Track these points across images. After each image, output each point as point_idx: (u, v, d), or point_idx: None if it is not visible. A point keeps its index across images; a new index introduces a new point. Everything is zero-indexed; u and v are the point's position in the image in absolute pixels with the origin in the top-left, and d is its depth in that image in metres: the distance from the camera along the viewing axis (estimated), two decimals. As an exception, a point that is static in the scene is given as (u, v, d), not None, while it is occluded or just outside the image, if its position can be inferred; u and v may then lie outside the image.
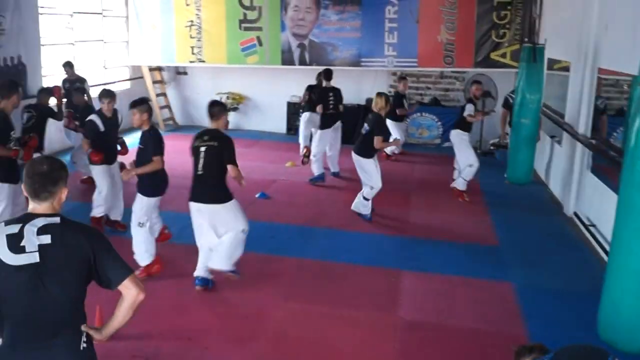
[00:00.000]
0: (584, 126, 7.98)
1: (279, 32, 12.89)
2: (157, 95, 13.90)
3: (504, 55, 12.26)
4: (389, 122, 9.80)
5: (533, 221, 8.10)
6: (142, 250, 5.86)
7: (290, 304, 5.49)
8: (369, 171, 7.69)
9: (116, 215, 7.23)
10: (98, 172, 7.04)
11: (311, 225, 7.65)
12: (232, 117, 13.97)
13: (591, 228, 7.20)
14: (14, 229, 2.58)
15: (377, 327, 5.13)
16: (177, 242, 6.61)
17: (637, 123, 4.13)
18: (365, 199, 7.76)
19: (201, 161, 5.44)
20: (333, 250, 6.86)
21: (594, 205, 7.39)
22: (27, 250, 2.54)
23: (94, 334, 2.75)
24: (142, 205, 5.85)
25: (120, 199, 7.23)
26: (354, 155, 7.81)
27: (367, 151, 7.63)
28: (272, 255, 6.59)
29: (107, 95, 7.04)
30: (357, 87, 13.03)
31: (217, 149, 5.42)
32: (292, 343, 4.84)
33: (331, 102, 9.83)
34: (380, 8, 12.41)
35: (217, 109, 5.63)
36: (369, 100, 11.65)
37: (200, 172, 5.45)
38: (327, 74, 10.09)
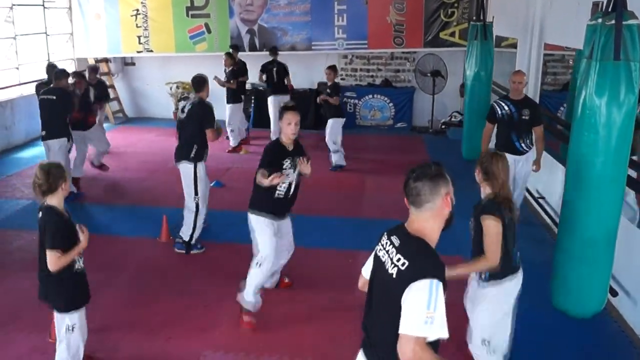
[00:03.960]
0: (531, 101, 8.15)
1: (227, 18, 12.75)
2: (105, 87, 13.58)
3: (452, 35, 12.43)
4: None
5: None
6: None
7: (251, 290, 5.48)
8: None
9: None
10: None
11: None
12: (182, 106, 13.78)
13: (540, 200, 7.40)
14: None
15: (337, 308, 5.17)
16: (129, 235, 6.56)
17: (582, 95, 4.22)
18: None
19: None
20: (291, 235, 6.86)
21: (543, 178, 7.59)
22: None
23: None
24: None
25: None
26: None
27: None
28: (231, 243, 6.56)
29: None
30: (308, 71, 13.03)
31: None
32: (254, 329, 4.84)
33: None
34: (329, -10, 12.38)
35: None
36: (321, 84, 11.66)
37: None
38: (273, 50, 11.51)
